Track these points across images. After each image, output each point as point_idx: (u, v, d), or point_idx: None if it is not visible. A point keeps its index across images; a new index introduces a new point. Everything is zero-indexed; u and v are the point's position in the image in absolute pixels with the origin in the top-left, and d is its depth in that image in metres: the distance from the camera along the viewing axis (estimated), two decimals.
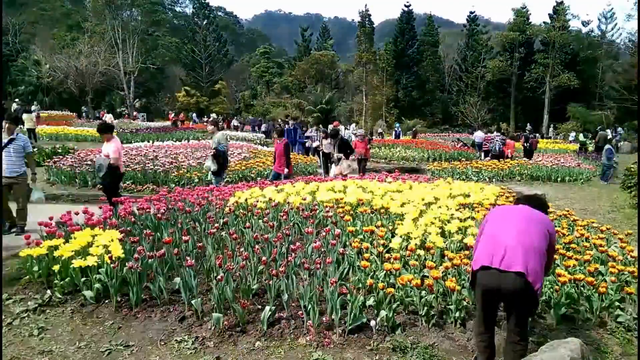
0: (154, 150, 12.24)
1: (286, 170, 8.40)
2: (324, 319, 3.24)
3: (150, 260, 3.80)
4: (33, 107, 27.21)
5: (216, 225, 4.71)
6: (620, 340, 3.16)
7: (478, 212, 5.44)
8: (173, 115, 32.25)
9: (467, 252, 4.18)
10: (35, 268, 3.99)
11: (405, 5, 49.27)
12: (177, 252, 4.07)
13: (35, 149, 13.10)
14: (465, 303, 3.42)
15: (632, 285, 3.64)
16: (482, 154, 16.24)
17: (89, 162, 9.79)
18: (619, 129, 22.97)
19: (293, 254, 3.90)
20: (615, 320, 3.35)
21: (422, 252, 4.02)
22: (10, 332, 3.25)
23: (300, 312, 3.29)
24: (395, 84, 46.29)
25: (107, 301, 3.61)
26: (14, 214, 6.09)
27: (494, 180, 11.48)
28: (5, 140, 6.01)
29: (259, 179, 9.37)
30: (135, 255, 3.69)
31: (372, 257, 4.05)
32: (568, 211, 5.87)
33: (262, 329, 3.16)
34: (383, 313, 3.16)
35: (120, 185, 7.55)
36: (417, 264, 3.73)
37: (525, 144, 17.38)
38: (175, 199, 6.00)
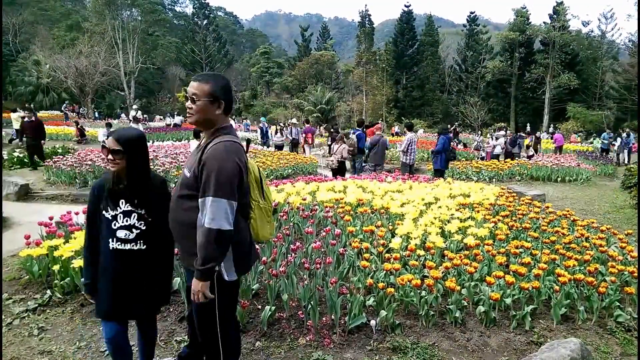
0: (154, 150, 12.23)
1: None
2: (324, 319, 3.24)
3: None
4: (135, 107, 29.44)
5: None
6: (620, 340, 3.16)
7: (478, 212, 5.44)
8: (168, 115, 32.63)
9: (467, 252, 4.18)
10: (35, 268, 3.99)
11: (405, 6, 49.29)
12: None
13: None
14: (465, 303, 3.42)
15: (632, 285, 3.64)
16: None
17: (89, 162, 9.78)
18: (632, 135, 19.22)
19: (293, 254, 3.90)
20: (615, 320, 3.35)
21: (422, 252, 4.02)
22: (10, 332, 3.25)
23: (300, 312, 3.29)
24: (395, 84, 46.30)
25: None
26: None
27: (494, 180, 11.49)
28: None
29: None
30: None
31: (372, 257, 4.05)
32: (568, 211, 5.86)
33: (262, 329, 3.16)
34: (383, 313, 3.16)
35: None
36: (417, 264, 3.73)
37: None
38: None
